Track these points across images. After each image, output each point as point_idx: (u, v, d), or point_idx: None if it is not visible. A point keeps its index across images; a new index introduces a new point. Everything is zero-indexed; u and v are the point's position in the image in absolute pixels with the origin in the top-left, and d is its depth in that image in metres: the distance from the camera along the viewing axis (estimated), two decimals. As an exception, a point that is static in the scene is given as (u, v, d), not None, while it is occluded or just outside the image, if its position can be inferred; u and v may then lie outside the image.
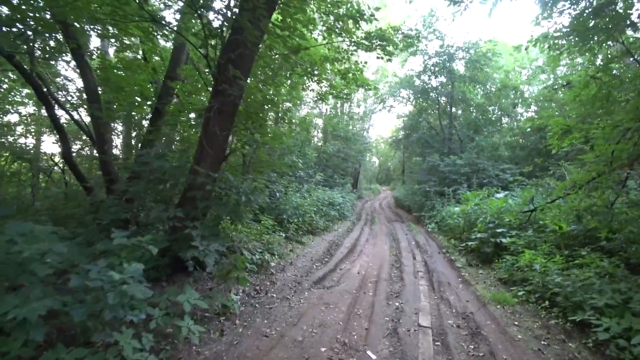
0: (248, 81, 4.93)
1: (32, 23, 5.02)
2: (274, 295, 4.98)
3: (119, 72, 7.06)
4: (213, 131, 4.38)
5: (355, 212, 16.83)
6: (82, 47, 6.44)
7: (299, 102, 19.57)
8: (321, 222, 10.74)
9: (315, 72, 5.83)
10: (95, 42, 9.84)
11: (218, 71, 4.29)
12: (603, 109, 6.09)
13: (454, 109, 20.19)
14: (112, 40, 6.76)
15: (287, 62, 5.57)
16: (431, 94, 20.45)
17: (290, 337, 3.67)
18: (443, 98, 20.01)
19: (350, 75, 6.16)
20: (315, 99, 7.33)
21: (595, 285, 4.39)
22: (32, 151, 12.27)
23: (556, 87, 16.85)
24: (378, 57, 5.60)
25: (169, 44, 7.88)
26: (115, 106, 7.26)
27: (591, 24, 4.87)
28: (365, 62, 6.05)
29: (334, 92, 6.70)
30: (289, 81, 12.03)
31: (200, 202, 4.32)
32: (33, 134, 12.91)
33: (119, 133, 12.09)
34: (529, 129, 18.17)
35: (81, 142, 12.82)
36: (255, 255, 5.83)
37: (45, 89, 6.97)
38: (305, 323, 4.06)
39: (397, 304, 4.91)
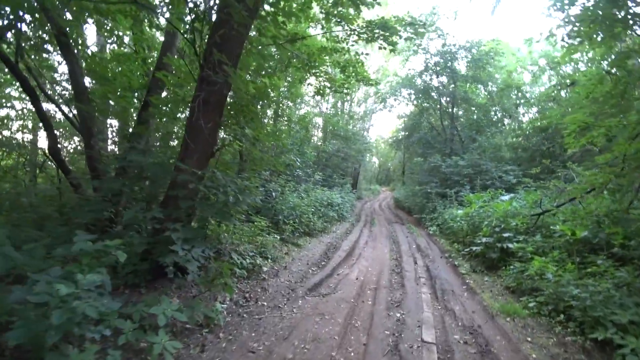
0: (240, 71, 4.55)
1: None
2: (265, 303, 4.58)
3: (107, 64, 6.69)
4: (198, 124, 3.99)
5: (355, 213, 16.45)
6: (67, 35, 6.06)
7: (299, 99, 19.25)
8: (319, 223, 10.36)
9: (313, 65, 5.43)
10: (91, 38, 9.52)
11: (203, 57, 3.89)
12: (617, 107, 5.72)
13: (455, 109, 19.83)
14: (92, 22, 6.31)
15: (283, 53, 5.16)
16: (432, 94, 20.09)
17: (279, 355, 3.28)
18: (445, 98, 19.63)
19: (350, 68, 5.76)
20: (313, 93, 6.95)
21: (615, 297, 4.01)
22: (29, 146, 11.94)
23: (560, 87, 16.49)
24: (380, 48, 5.21)
25: (161, 35, 7.51)
26: (110, 101, 6.90)
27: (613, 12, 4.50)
28: (367, 54, 5.65)
29: (333, 86, 6.30)
30: (288, 77, 11.72)
31: (183, 201, 3.93)
32: (30, 129, 12.56)
33: (114, 127, 11.71)
34: (529, 131, 17.86)
35: (79, 138, 12.44)
36: (246, 259, 5.43)
37: (35, 81, 6.62)
38: (297, 337, 3.67)
39: (398, 314, 4.52)
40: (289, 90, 13.22)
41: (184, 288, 4.38)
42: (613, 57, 6.06)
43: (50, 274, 2.22)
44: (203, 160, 4.39)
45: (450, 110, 19.45)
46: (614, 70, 5.61)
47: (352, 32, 5.11)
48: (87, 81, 7.88)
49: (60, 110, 7.79)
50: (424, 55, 19.21)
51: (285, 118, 15.90)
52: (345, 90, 6.56)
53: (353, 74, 5.81)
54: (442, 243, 9.85)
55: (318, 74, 5.79)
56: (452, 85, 18.70)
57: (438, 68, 18.82)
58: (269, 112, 14.95)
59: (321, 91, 6.69)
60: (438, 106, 20.20)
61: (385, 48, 5.15)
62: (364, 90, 28.43)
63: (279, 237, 7.49)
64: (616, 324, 3.62)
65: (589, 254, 5.52)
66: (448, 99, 19.41)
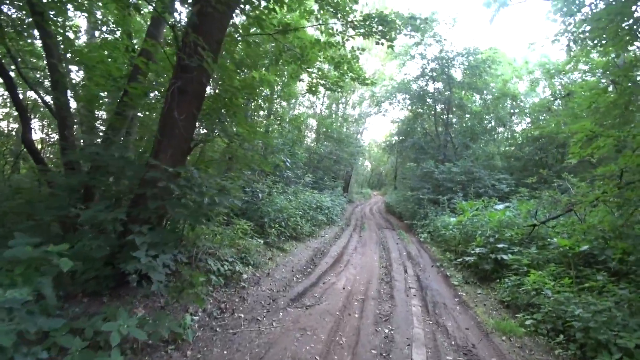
0: (228, 62, 4.17)
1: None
2: (242, 315, 4.19)
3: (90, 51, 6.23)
4: (172, 116, 3.60)
5: (345, 217, 16.10)
6: (44, 14, 5.62)
7: (293, 100, 18.90)
8: (307, 227, 9.96)
9: (306, 59, 5.07)
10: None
11: (182, 41, 3.51)
12: (620, 117, 5.50)
13: (450, 116, 19.72)
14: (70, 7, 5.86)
15: (275, 45, 4.79)
16: (428, 100, 19.95)
17: (252, 378, 2.90)
18: (440, 104, 19.50)
19: (345, 65, 5.43)
20: (305, 91, 6.58)
21: (617, 318, 3.74)
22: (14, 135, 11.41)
23: (555, 97, 16.46)
24: (377, 43, 4.89)
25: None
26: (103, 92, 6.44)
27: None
28: (363, 50, 5.32)
29: (326, 82, 5.95)
30: (283, 76, 11.35)
31: (152, 201, 3.52)
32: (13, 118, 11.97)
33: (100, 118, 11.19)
34: (523, 140, 17.82)
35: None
36: (225, 265, 5.03)
37: (14, 65, 6.15)
38: (275, 356, 3.30)
39: (386, 330, 4.18)
40: (282, 89, 12.87)
41: (151, 297, 3.96)
42: (617, 66, 5.86)
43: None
44: (178, 157, 3.99)
45: (444, 116, 19.32)
46: (612, 83, 5.41)
47: (349, 25, 4.78)
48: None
49: (41, 98, 7.32)
50: (421, 61, 19.09)
51: (278, 117, 15.54)
52: (339, 89, 6.22)
53: (348, 71, 5.47)
54: (433, 251, 9.57)
55: (310, 70, 5.44)
56: (448, 92, 18.58)
57: (434, 74, 18.70)
58: (262, 112, 14.62)
59: (314, 88, 6.34)
60: (433, 112, 20.06)
61: (382, 43, 4.82)
62: (359, 94, 28.30)
63: (263, 242, 7.09)
64: (621, 348, 3.35)
65: (584, 268, 5.29)
66: (443, 105, 19.29)
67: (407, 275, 6.95)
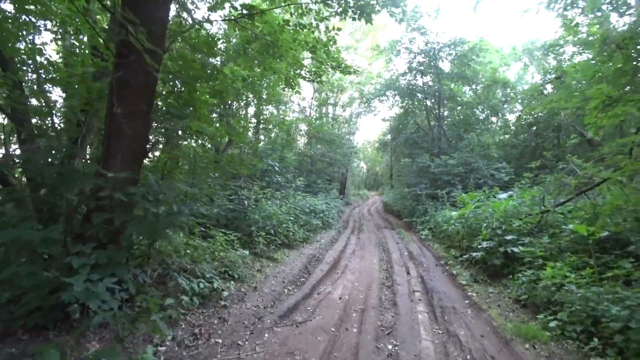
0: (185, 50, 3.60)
1: None
2: (220, 340, 3.56)
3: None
4: (116, 114, 3.01)
5: (342, 220, 15.51)
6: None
7: (282, 105, 18.39)
8: (300, 232, 9.35)
9: (276, 45, 4.52)
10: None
11: (120, 25, 2.93)
12: (630, 85, 4.98)
13: (441, 109, 19.27)
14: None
15: (240, 32, 4.23)
16: (418, 95, 19.53)
17: None
18: (430, 99, 19.07)
19: (321, 50, 4.88)
20: (283, 86, 6.05)
21: (658, 312, 3.16)
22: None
23: (547, 80, 16.07)
24: (353, 19, 4.35)
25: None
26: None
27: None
28: (339, 30, 4.76)
29: (305, 73, 5.39)
30: (266, 79, 10.80)
31: (96, 215, 2.92)
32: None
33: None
34: (519, 127, 17.39)
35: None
36: (201, 283, 4.41)
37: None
38: (254, 393, 2.69)
39: (389, 346, 3.57)
40: (266, 91, 12.31)
41: (109, 327, 3.33)
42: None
43: None
44: (130, 161, 3.39)
45: (436, 110, 18.87)
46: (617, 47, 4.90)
47: (320, 2, 4.24)
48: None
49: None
50: (408, 55, 18.71)
51: (265, 122, 15.03)
52: (319, 80, 5.67)
53: (325, 56, 4.93)
54: (436, 248, 8.99)
55: (283, 57, 4.88)
56: (437, 85, 18.16)
57: (422, 67, 18.30)
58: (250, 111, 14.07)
59: (291, 81, 5.78)
60: (424, 106, 19.63)
61: (357, 19, 4.28)
62: (348, 94, 27.89)
63: (248, 252, 6.46)
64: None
65: (601, 255, 4.73)
66: (434, 99, 18.86)
67: (410, 277, 6.36)
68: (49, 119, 4.13)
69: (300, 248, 8.63)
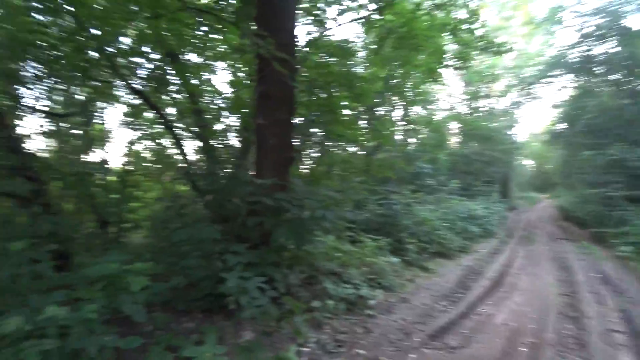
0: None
1: None
2: (362, 352, 3.37)
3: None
4: (260, 125, 3.33)
5: (506, 227, 13.18)
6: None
7: (430, 105, 17.38)
8: (456, 240, 8.38)
9: (412, 35, 4.11)
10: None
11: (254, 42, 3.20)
12: None
13: (637, 81, 13.80)
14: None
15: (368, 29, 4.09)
16: (596, 69, 14.63)
17: None
18: (618, 71, 13.94)
19: (464, 29, 4.14)
20: (427, 81, 5.50)
21: None
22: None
23: None
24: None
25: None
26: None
27: None
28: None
29: (447, 61, 4.73)
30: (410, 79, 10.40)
31: (250, 218, 3.27)
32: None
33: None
34: None
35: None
36: (348, 288, 4.38)
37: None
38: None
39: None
40: (412, 90, 11.82)
41: (242, 324, 3.63)
42: None
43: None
44: (277, 169, 3.69)
45: (628, 83, 13.68)
46: None
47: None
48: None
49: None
50: (579, 20, 14.36)
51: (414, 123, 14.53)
52: (466, 65, 4.87)
53: (469, 35, 4.15)
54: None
55: (422, 48, 4.38)
56: (626, 50, 13.13)
57: (601, 31, 13.64)
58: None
59: (435, 73, 5.20)
60: (607, 82, 14.59)
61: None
62: (504, 83, 23.81)
63: (398, 259, 6.12)
64: None
65: None
66: (622, 70, 13.73)
67: (603, 308, 4.63)
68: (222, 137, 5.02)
69: (456, 258, 7.68)
